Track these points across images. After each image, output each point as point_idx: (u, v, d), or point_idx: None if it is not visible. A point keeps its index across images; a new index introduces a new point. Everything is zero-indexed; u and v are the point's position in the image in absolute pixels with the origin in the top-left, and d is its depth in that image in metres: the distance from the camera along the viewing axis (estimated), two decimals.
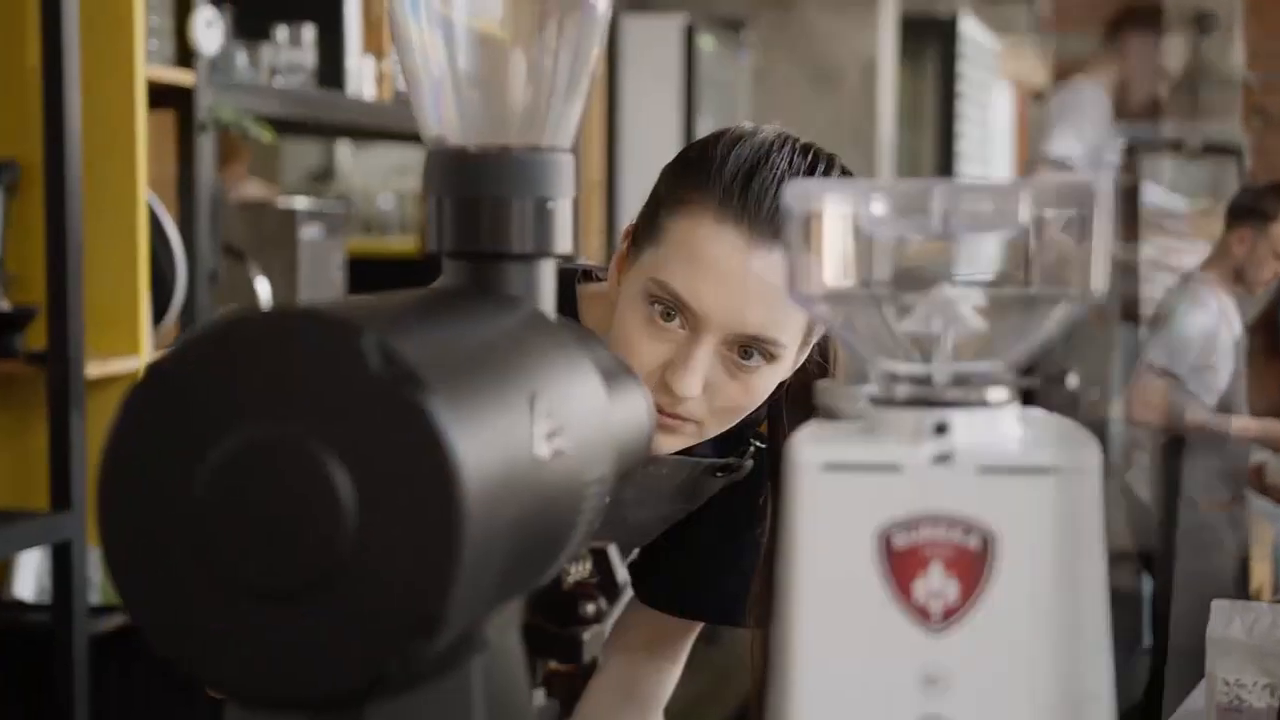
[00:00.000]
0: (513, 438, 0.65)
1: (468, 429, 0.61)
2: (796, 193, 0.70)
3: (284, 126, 3.18)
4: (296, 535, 0.59)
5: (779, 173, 1.23)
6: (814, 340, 1.31)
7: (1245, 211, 4.37)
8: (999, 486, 0.66)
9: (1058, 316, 0.70)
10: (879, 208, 0.69)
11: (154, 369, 0.62)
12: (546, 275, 0.81)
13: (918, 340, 0.71)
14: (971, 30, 7.52)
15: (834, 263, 0.71)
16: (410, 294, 0.74)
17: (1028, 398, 0.71)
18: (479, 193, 0.79)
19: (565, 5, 0.80)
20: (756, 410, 1.32)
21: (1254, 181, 4.47)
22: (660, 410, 1.24)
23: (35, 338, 2.36)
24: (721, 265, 1.21)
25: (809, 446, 0.68)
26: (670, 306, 1.23)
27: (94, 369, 2.37)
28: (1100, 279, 0.68)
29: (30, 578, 2.54)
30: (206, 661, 0.61)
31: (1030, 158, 4.48)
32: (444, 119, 0.80)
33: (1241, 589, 4.22)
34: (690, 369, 1.22)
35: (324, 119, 3.18)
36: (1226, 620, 1.90)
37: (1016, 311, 0.70)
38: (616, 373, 0.84)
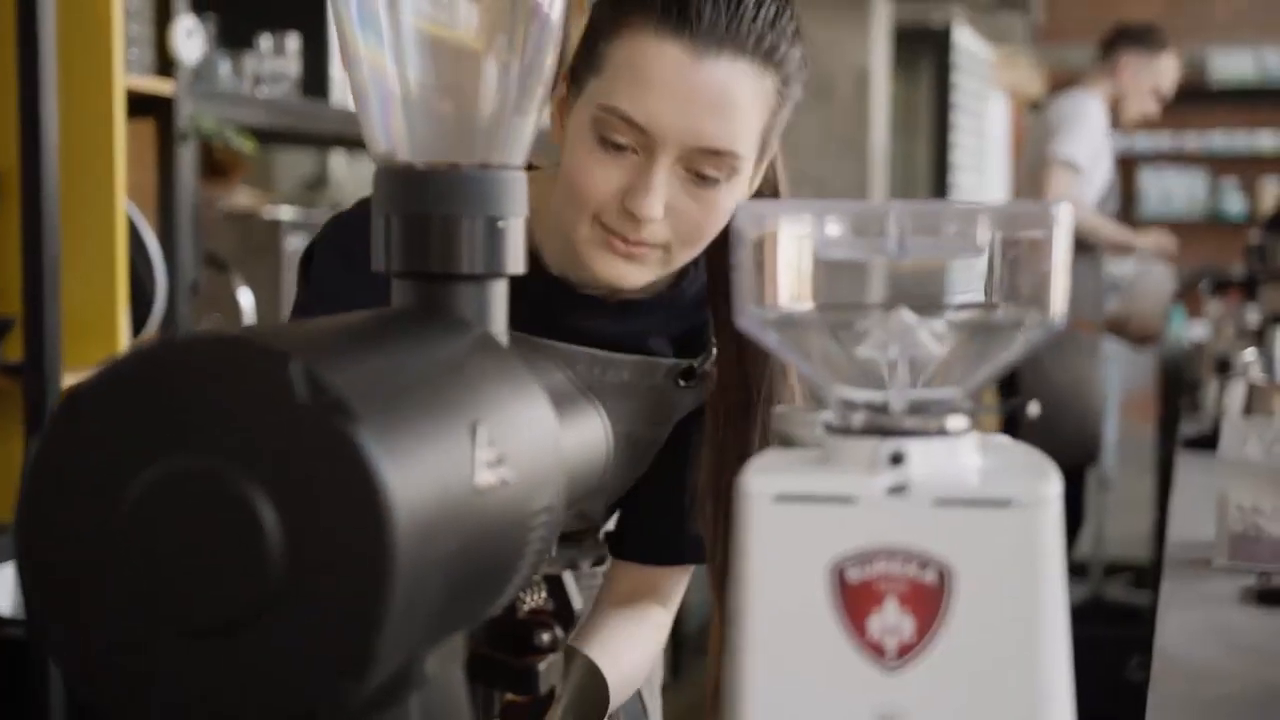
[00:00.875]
0: (451, 467, 0.63)
1: (400, 459, 0.58)
2: (748, 214, 0.67)
3: (268, 136, 3.15)
4: (220, 570, 0.57)
5: None
6: (768, 157, 1.30)
7: (1132, 39, 4.50)
8: (956, 519, 0.64)
9: (1019, 342, 0.67)
10: (834, 229, 0.67)
11: (76, 394, 0.59)
12: (498, 295, 0.78)
13: (875, 366, 0.68)
14: (966, 40, 7.50)
15: (787, 285, 0.68)
16: (353, 317, 0.72)
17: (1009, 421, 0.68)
18: (428, 211, 0.76)
19: (517, 18, 0.78)
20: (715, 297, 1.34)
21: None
22: (624, 239, 1.24)
23: (12, 349, 2.33)
24: (668, 80, 1.20)
25: (760, 477, 0.65)
26: (620, 132, 1.21)
27: (71, 380, 2.35)
28: (1060, 304, 0.66)
29: (7, 591, 2.52)
30: (127, 699, 0.59)
31: (1029, 161, 4.50)
32: (392, 135, 0.78)
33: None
34: (649, 189, 1.21)
35: (308, 128, 3.16)
36: (1240, 439, 1.76)
37: (977, 337, 0.68)
38: (569, 396, 0.82)
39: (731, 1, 1.21)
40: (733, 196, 1.25)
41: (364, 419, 0.57)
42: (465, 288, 0.77)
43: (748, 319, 0.68)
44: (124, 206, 2.44)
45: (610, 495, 1.46)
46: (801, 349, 0.69)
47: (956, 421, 0.67)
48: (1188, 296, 9.78)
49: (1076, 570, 5.33)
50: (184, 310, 2.66)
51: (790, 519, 0.65)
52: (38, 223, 2.28)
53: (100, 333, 2.44)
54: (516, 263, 0.78)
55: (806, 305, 0.68)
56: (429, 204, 0.76)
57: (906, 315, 0.68)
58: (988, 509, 0.64)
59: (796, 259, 0.68)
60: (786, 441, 0.73)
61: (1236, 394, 2.93)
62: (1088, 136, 4.35)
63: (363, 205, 1.36)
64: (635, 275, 1.27)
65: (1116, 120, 4.60)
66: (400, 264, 0.77)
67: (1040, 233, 0.65)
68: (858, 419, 0.67)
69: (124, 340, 2.45)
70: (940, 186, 7.38)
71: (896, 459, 0.65)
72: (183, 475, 0.58)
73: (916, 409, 0.67)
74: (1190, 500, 2.32)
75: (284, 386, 0.57)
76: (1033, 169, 4.52)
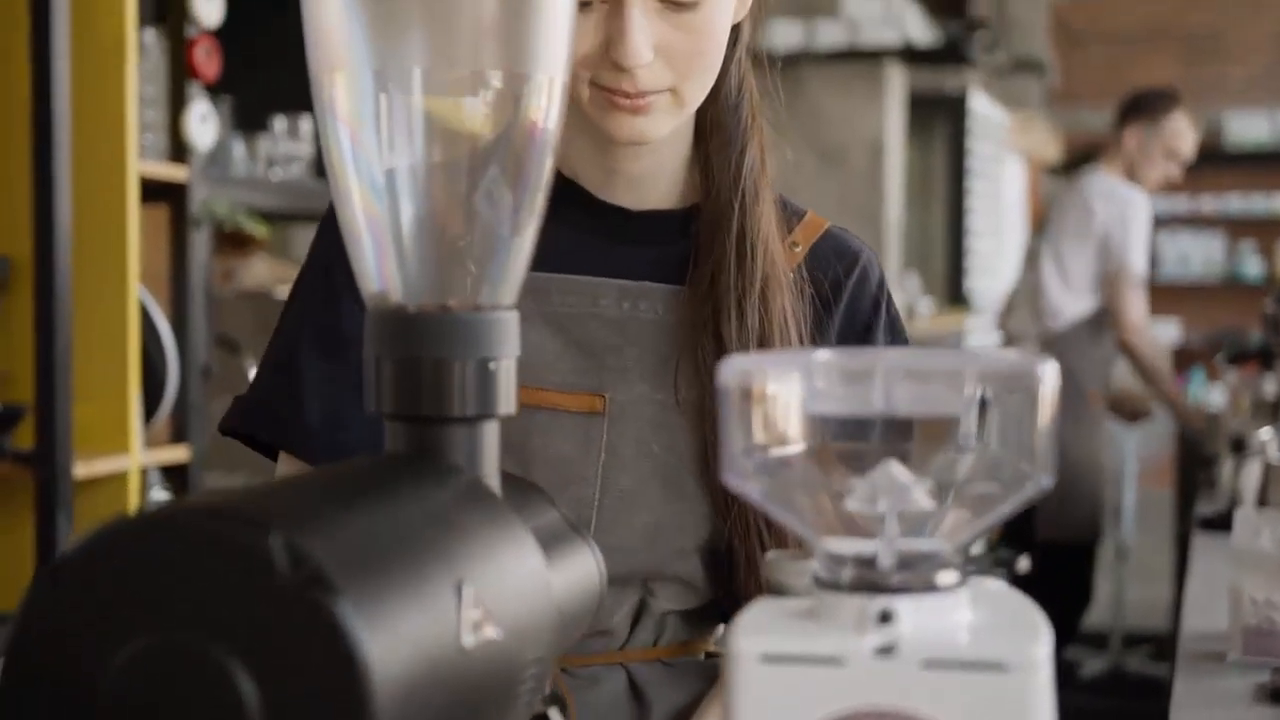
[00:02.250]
0: (436, 632, 0.62)
1: (382, 630, 0.58)
2: (733, 369, 0.67)
3: (282, 216, 3.17)
4: None
5: None
6: None
7: (1135, 109, 4.50)
8: (945, 682, 0.63)
9: (1010, 498, 0.67)
10: (821, 382, 0.67)
11: (58, 566, 0.59)
12: (490, 437, 0.78)
13: (864, 518, 0.68)
14: (981, 106, 7.53)
15: (773, 439, 0.68)
16: (338, 471, 0.71)
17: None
18: (419, 354, 0.76)
19: (510, 155, 0.78)
20: None
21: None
22: (625, 94, 1.17)
23: (23, 437, 2.34)
24: None
25: (748, 636, 0.65)
26: None
27: (82, 469, 2.35)
28: (1047, 465, 0.65)
29: None
30: None
31: (1102, 269, 4.41)
32: (385, 276, 0.78)
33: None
34: (629, 33, 1.14)
35: (321, 209, 3.17)
36: (1253, 530, 1.72)
37: (966, 492, 0.67)
38: (561, 534, 0.82)
39: None
40: (721, 11, 1.19)
41: (344, 590, 0.57)
42: (457, 430, 0.76)
43: (733, 471, 0.68)
44: (136, 293, 2.45)
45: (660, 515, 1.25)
46: (787, 502, 0.68)
47: (946, 576, 0.66)
48: (1206, 361, 9.76)
49: (1096, 641, 5.29)
50: (195, 394, 2.67)
51: (778, 679, 0.64)
52: (50, 311, 2.29)
53: (112, 420, 2.44)
54: (509, 403, 0.78)
55: (792, 458, 0.68)
56: (420, 347, 0.76)
57: (895, 469, 0.68)
58: (978, 671, 0.63)
59: (782, 412, 0.67)
60: (777, 589, 0.72)
61: (1252, 474, 2.91)
62: (1143, 238, 4.37)
63: None
64: (653, 126, 1.19)
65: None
66: (391, 406, 0.77)
67: (1028, 388, 0.65)
68: (846, 574, 0.66)
69: (136, 427, 2.46)
70: (956, 253, 7.39)
71: (885, 617, 0.65)
72: (163, 650, 0.57)
73: (905, 564, 0.66)
74: (1205, 587, 2.31)
75: (264, 560, 0.57)
76: (1100, 270, 4.45)
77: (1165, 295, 10.14)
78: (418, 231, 0.77)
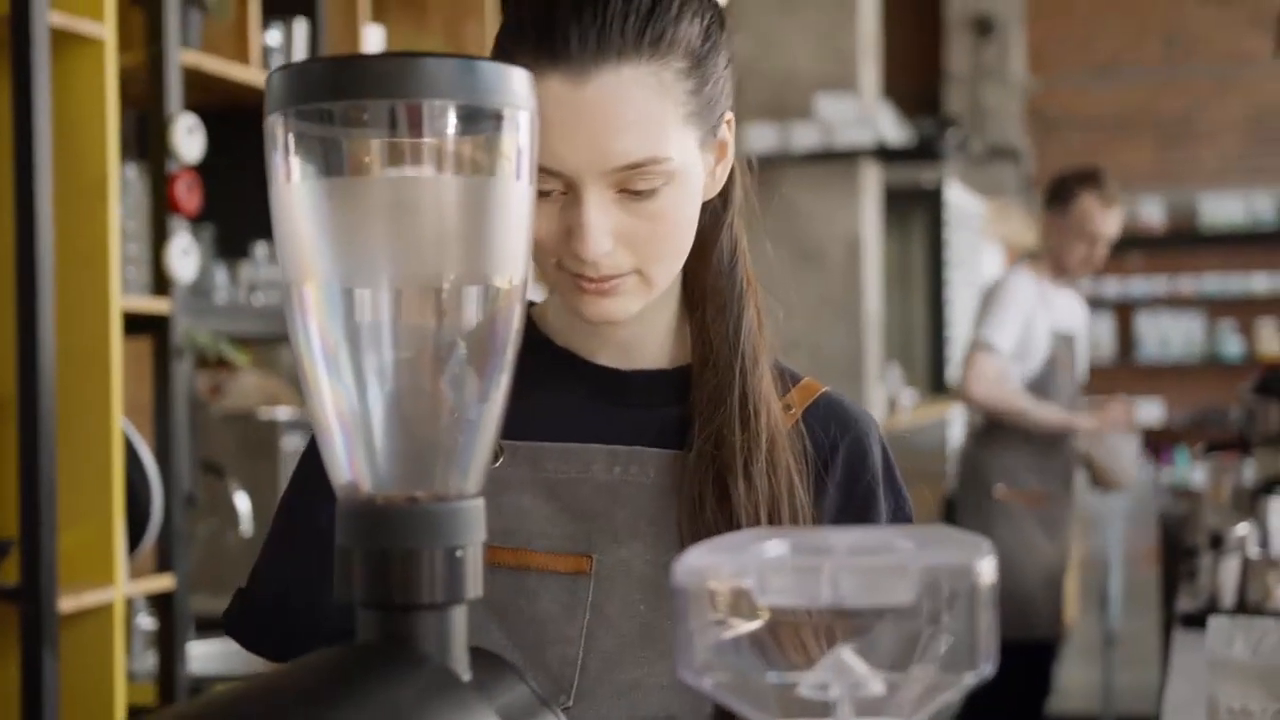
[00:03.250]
0: None
1: None
2: (687, 567, 0.70)
3: (266, 340, 3.21)
4: None
5: None
6: (719, 134, 1.23)
7: (1049, 198, 4.52)
8: None
9: (956, 684, 0.70)
10: (772, 577, 0.70)
11: None
12: (458, 622, 0.81)
13: (817, 703, 0.71)
14: (957, 196, 7.61)
15: (726, 629, 0.71)
16: (311, 666, 0.74)
17: None
18: (388, 545, 0.79)
19: (472, 367, 0.81)
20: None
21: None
22: (589, 280, 1.17)
23: (8, 572, 2.35)
24: (557, 114, 1.13)
25: None
26: (537, 180, 1.13)
27: (68, 602, 2.36)
28: (990, 654, 0.68)
29: None
30: None
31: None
32: (354, 468, 0.81)
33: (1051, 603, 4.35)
34: (586, 227, 1.14)
35: None
36: (1227, 639, 1.72)
37: (914, 676, 0.70)
38: (530, 711, 0.84)
39: (596, 13, 1.15)
40: (684, 196, 1.19)
41: None
42: (426, 617, 0.79)
43: (686, 663, 0.70)
44: (120, 427, 2.48)
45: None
46: (742, 691, 0.71)
47: None
48: (1189, 442, 9.80)
49: None
50: (179, 522, 2.69)
51: None
52: (35, 445, 2.32)
53: (97, 554, 2.46)
54: (476, 587, 0.81)
55: (746, 649, 0.71)
56: (389, 538, 0.79)
57: (847, 655, 0.70)
58: None
59: (735, 606, 0.70)
60: None
61: (1231, 570, 2.94)
62: (1013, 316, 4.31)
63: None
64: (620, 308, 1.20)
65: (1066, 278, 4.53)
66: (362, 595, 0.80)
67: (968, 584, 0.68)
68: None
69: (120, 559, 2.48)
70: (937, 343, 7.44)
71: None
72: None
73: None
74: (1187, 686, 2.33)
75: None
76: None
77: (1146, 376, 10.21)
78: (385, 427, 0.81)
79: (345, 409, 0.81)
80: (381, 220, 0.80)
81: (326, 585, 1.18)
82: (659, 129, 1.15)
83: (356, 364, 0.80)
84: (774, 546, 0.73)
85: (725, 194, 1.28)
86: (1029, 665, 4.42)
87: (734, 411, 1.23)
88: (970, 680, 0.70)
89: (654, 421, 1.27)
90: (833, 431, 1.29)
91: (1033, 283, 4.39)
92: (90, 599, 2.42)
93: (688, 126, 1.18)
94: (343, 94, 0.78)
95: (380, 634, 0.79)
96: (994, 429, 4.40)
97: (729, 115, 1.24)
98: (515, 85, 0.80)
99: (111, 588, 2.46)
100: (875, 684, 0.70)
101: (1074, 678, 6.61)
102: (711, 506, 1.22)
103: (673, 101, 1.16)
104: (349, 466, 0.82)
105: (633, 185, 1.15)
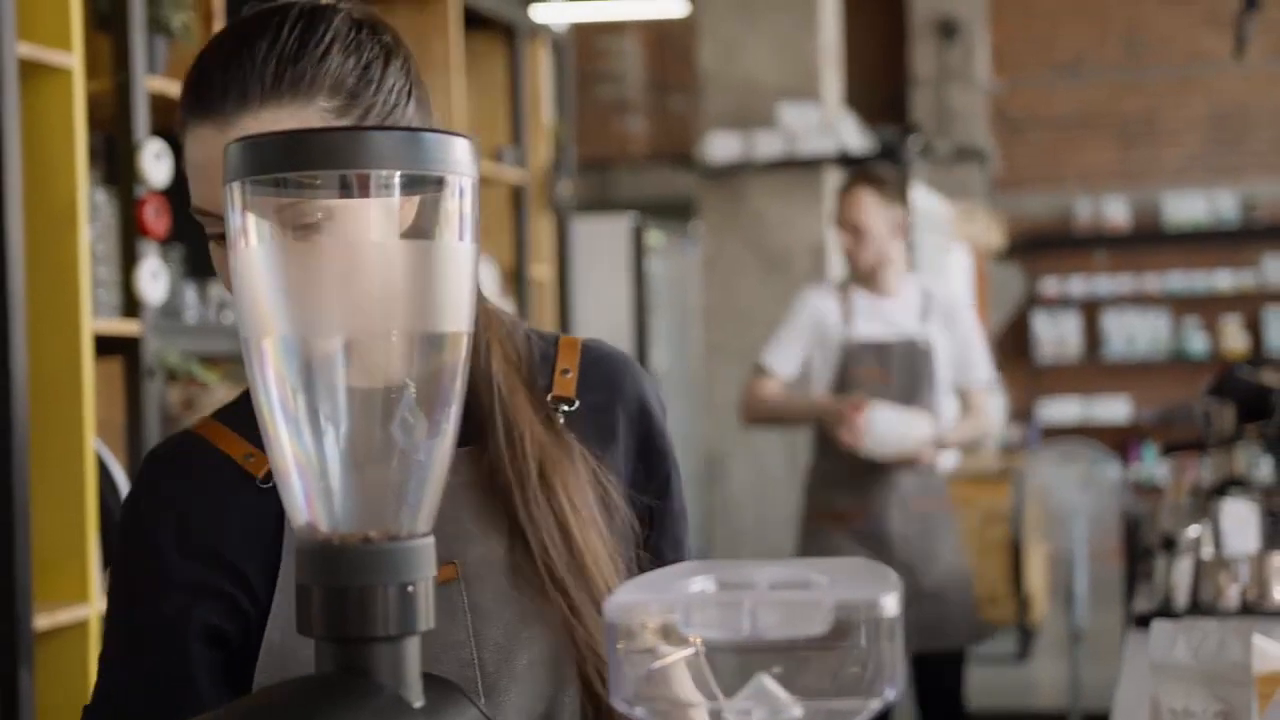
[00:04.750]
0: None
1: None
2: (617, 603, 0.76)
3: (235, 358, 3.26)
4: None
5: (236, 35, 1.20)
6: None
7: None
8: None
9: (866, 708, 0.76)
10: (696, 615, 0.76)
11: None
12: (411, 652, 0.87)
13: None
14: (924, 200, 7.69)
15: (654, 661, 0.77)
16: (270, 698, 0.80)
17: None
18: (344, 582, 0.85)
19: (421, 413, 0.87)
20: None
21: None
22: None
23: None
24: (202, 158, 1.19)
25: None
26: (213, 225, 1.20)
27: (42, 620, 2.42)
28: (894, 678, 0.74)
29: None
30: None
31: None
32: (311, 510, 0.87)
33: None
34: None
35: None
36: (1170, 642, 1.76)
37: (826, 704, 0.76)
38: None
39: (238, 64, 1.19)
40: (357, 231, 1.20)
41: None
42: (380, 648, 0.85)
43: (619, 694, 0.76)
44: (93, 447, 2.53)
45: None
46: (671, 717, 0.77)
47: None
48: (1157, 437, 9.91)
49: None
50: None
51: None
52: (8, 466, 2.37)
53: (70, 571, 2.51)
54: (428, 620, 0.87)
55: (673, 679, 0.77)
56: (345, 576, 0.85)
57: (766, 681, 0.77)
58: None
59: (663, 639, 0.76)
60: None
61: (1184, 571, 3.00)
62: (793, 337, 4.18)
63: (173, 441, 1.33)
64: None
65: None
66: (321, 629, 0.86)
67: (872, 615, 0.74)
68: None
69: (94, 577, 2.53)
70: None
71: None
72: None
73: None
74: (1133, 693, 2.39)
75: None
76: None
77: (1113, 373, 10.32)
78: (340, 471, 0.86)
79: (302, 455, 0.87)
80: (334, 280, 0.86)
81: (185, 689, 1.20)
82: None
83: (312, 412, 0.86)
84: (699, 582, 0.79)
85: None
86: (950, 677, 4.37)
87: (501, 443, 1.28)
88: (877, 705, 0.76)
89: None
90: (610, 386, 1.35)
91: (817, 301, 4.20)
92: (65, 616, 2.47)
93: None
94: (296, 165, 0.84)
95: (337, 665, 0.85)
96: (813, 457, 4.30)
97: None
98: (456, 154, 0.86)
99: (86, 605, 2.51)
100: (794, 709, 0.76)
101: (1041, 673, 6.69)
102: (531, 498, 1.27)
103: None
104: (306, 508, 0.88)
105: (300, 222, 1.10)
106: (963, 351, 4.30)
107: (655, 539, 1.36)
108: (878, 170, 4.29)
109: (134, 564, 1.29)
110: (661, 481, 1.37)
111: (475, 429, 1.29)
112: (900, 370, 4.21)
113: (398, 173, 0.85)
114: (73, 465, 2.50)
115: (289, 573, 1.23)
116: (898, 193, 4.21)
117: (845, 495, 4.19)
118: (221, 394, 3.82)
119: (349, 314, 0.86)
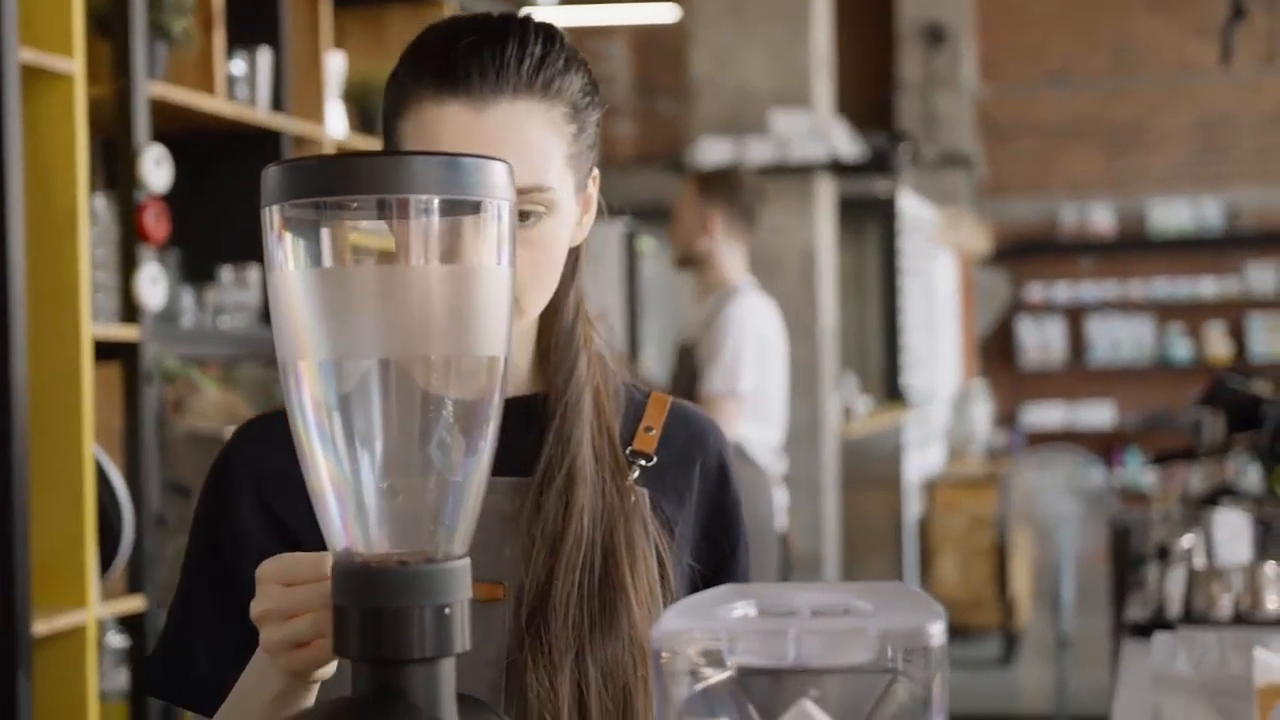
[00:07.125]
0: None
1: None
2: (663, 631, 0.77)
3: (232, 360, 3.25)
4: None
5: (481, 26, 1.22)
6: (590, 181, 1.29)
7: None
8: None
9: None
10: (740, 643, 0.76)
11: None
12: (447, 673, 0.87)
13: None
14: (910, 205, 7.70)
15: (699, 685, 0.77)
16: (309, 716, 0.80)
17: None
18: (381, 604, 0.86)
19: (457, 436, 0.88)
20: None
21: None
22: None
23: None
24: (457, 135, 1.19)
25: None
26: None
27: (41, 625, 2.41)
28: (941, 711, 0.75)
29: None
30: None
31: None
32: (349, 534, 0.87)
33: None
34: None
35: (269, 355, 3.26)
36: (1170, 654, 1.75)
37: None
38: None
39: (496, 53, 1.21)
40: (560, 229, 1.24)
41: None
42: (417, 671, 0.86)
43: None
44: (91, 452, 2.52)
45: None
46: None
47: None
48: (1140, 442, 9.94)
49: None
50: (150, 543, 2.73)
51: None
52: (8, 472, 2.36)
53: (69, 575, 2.50)
54: (464, 641, 0.87)
55: (718, 704, 0.77)
56: (382, 598, 0.85)
57: (809, 706, 0.77)
58: None
59: (708, 665, 0.77)
60: None
61: (1177, 581, 3.01)
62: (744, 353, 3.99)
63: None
64: None
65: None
66: (357, 651, 0.86)
67: (920, 644, 0.74)
68: None
69: (93, 582, 2.52)
70: (891, 350, 7.52)
71: None
72: None
73: None
74: (1133, 702, 2.39)
75: None
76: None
77: (1097, 379, 10.34)
78: (377, 496, 0.87)
79: (339, 476, 0.87)
80: (371, 304, 0.86)
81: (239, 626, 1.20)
82: (546, 160, 1.22)
83: (349, 436, 0.87)
84: (740, 607, 0.79)
85: (577, 252, 1.32)
86: None
87: (547, 445, 1.27)
88: None
89: (512, 448, 1.26)
90: (691, 448, 1.35)
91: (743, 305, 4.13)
92: (63, 621, 2.46)
93: (568, 169, 1.25)
94: (337, 189, 0.84)
95: (374, 687, 0.86)
96: None
97: (595, 173, 1.31)
98: (494, 178, 0.86)
99: (84, 610, 2.51)
100: None
101: (1028, 679, 6.71)
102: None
103: (559, 140, 1.23)
104: (344, 533, 0.88)
105: (518, 215, 1.18)
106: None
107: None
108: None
109: (214, 516, 1.31)
110: (731, 544, 1.35)
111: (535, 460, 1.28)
112: (699, 371, 4.04)
113: (436, 197, 0.85)
114: (72, 470, 2.49)
115: None
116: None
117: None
118: (212, 395, 3.81)
119: (385, 338, 0.87)
